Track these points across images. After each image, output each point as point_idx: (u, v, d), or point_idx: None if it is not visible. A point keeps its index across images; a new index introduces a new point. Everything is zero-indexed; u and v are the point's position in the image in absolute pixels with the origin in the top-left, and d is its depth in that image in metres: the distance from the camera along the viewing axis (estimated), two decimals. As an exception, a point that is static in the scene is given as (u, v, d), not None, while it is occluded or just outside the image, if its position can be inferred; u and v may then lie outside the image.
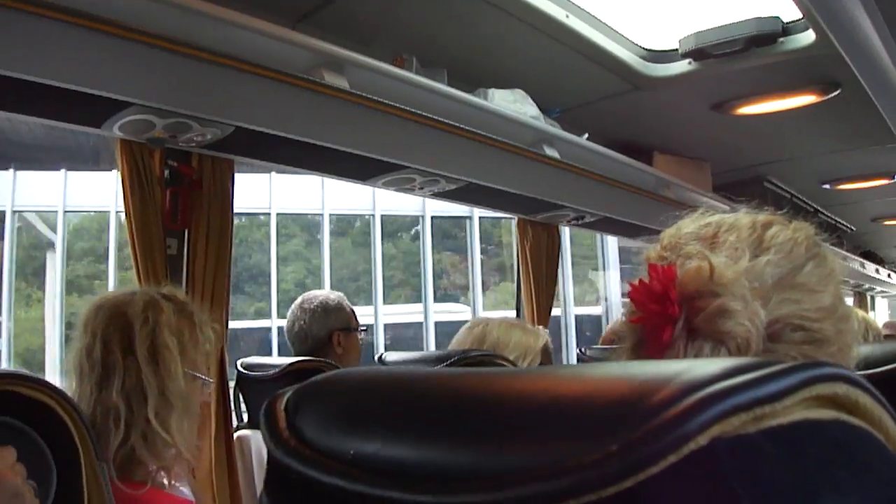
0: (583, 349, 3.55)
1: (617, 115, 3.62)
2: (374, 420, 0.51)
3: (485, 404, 0.46)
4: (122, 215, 2.40)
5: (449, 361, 1.91)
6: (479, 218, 16.96)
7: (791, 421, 0.38)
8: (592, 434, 0.38)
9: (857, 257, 7.04)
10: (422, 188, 3.11)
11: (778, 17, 2.80)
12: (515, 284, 4.36)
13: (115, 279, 13.86)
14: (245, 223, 15.72)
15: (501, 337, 2.40)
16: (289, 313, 2.94)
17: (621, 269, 17.43)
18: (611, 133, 3.74)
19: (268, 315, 15.45)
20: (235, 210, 2.54)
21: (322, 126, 2.39)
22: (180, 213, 2.46)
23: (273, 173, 14.37)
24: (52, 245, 14.38)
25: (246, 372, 2.67)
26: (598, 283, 18.41)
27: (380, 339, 16.01)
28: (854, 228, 6.76)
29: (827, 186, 5.14)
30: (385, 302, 16.56)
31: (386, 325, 16.53)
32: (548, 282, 4.15)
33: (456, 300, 17.45)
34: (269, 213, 15.73)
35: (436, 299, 17.08)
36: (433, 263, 17.07)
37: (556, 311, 16.24)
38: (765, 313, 0.81)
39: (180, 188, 2.45)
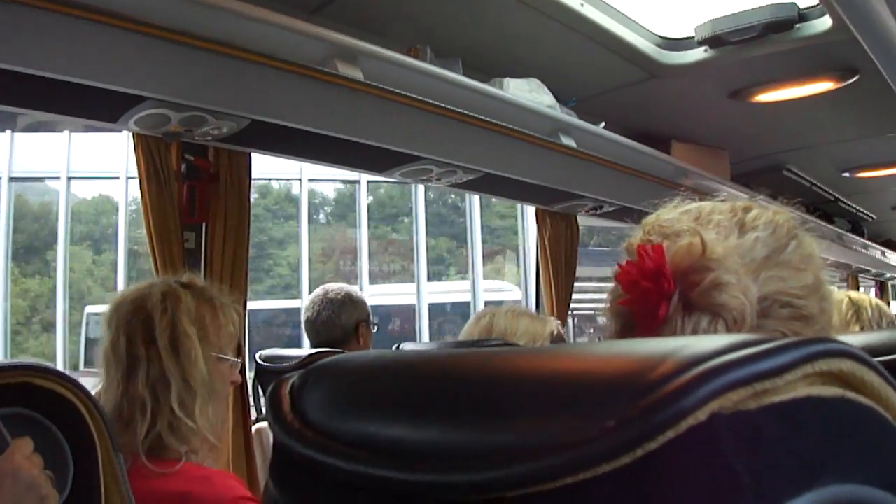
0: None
1: (633, 104, 3.60)
2: (375, 401, 0.51)
3: (483, 383, 0.46)
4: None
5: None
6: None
7: (793, 398, 0.38)
8: (590, 411, 0.38)
9: (878, 246, 6.98)
10: (439, 179, 3.11)
11: (794, 3, 2.77)
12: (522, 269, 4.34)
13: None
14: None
15: (509, 326, 2.40)
16: (309, 303, 2.97)
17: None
18: (627, 122, 3.72)
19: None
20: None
21: (337, 117, 2.39)
22: (198, 206, 2.47)
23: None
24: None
25: (265, 364, 2.68)
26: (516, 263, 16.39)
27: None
28: (875, 217, 6.70)
29: (847, 174, 5.09)
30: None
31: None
32: (567, 272, 4.14)
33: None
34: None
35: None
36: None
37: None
38: (756, 289, 0.82)
39: (198, 182, 2.46)
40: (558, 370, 0.43)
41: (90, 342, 12.75)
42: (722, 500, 0.35)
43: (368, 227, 15.44)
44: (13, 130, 13.23)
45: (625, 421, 0.36)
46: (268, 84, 2.13)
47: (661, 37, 3.13)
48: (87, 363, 12.61)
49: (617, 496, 0.37)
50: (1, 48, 1.68)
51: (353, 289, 3.04)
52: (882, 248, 7.12)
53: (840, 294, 2.65)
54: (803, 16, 2.79)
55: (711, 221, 0.89)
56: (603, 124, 3.41)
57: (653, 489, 0.36)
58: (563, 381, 0.42)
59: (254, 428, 2.61)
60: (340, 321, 2.89)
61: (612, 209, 4.01)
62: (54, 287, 13.48)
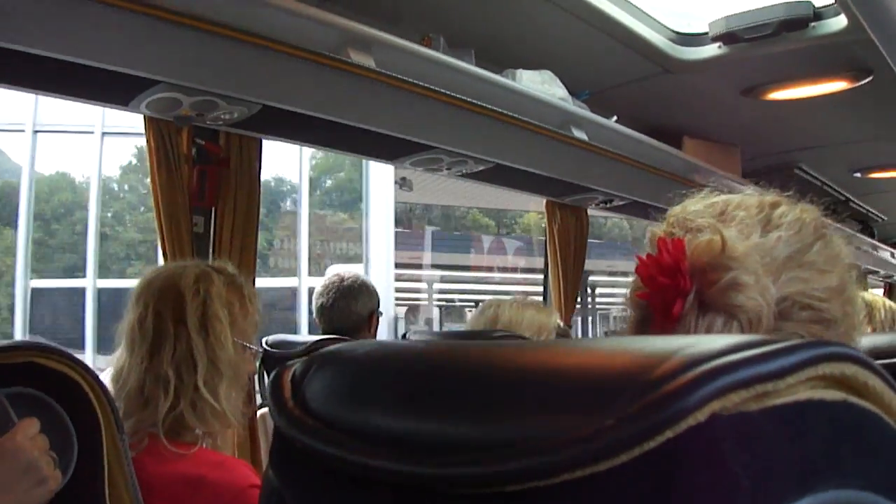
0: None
1: (646, 99, 3.59)
2: (377, 391, 0.51)
3: (486, 377, 0.46)
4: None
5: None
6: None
7: (795, 401, 0.38)
8: (590, 408, 0.38)
9: (888, 247, 6.94)
10: (449, 168, 3.10)
11: (809, 2, 2.76)
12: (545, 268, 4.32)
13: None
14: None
15: (514, 317, 2.39)
16: (322, 289, 2.93)
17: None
18: (640, 116, 3.72)
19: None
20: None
21: (348, 105, 2.38)
22: (207, 191, 2.47)
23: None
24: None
25: (271, 350, 2.68)
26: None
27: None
28: (885, 218, 6.67)
29: (858, 175, 5.07)
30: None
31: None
32: (576, 266, 4.14)
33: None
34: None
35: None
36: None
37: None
38: (775, 290, 0.80)
39: (208, 166, 2.46)
40: (561, 365, 0.43)
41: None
42: (720, 502, 0.35)
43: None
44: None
45: (624, 419, 0.36)
46: (280, 70, 2.13)
47: (675, 32, 3.12)
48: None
49: (615, 494, 0.37)
50: (15, 31, 1.68)
51: (365, 276, 3.02)
52: (891, 250, 7.07)
53: None
54: (818, 14, 2.77)
55: (735, 217, 0.87)
56: (615, 118, 3.40)
57: (651, 489, 0.36)
58: (565, 377, 0.42)
59: (258, 413, 2.62)
60: (356, 309, 2.87)
61: (622, 203, 4.00)
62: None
